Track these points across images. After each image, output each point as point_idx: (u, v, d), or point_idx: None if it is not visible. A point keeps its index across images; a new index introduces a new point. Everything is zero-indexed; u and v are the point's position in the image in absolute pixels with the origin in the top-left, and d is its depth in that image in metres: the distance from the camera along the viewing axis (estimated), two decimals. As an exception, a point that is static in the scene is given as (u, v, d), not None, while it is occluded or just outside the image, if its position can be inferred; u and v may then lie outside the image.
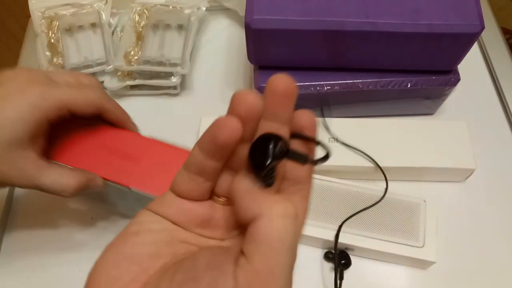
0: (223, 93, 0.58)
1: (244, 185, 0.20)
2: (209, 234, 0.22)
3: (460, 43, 0.44)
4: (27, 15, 0.60)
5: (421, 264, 0.44)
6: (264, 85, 0.49)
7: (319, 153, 0.22)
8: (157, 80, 0.56)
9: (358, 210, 0.44)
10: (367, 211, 0.44)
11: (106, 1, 0.59)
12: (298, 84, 0.49)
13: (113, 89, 0.56)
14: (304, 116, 0.22)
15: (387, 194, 0.45)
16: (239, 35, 0.63)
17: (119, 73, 0.56)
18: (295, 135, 0.21)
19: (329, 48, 0.46)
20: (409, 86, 0.49)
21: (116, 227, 0.48)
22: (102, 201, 0.48)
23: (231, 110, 0.20)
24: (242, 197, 0.20)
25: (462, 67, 0.49)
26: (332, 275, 0.45)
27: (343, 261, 0.44)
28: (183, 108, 0.57)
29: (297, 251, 0.19)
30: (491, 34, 0.62)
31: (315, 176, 0.46)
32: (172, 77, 0.55)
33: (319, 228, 0.44)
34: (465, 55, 0.46)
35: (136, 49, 0.55)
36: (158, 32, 0.57)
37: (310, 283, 0.44)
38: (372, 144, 0.48)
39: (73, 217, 0.49)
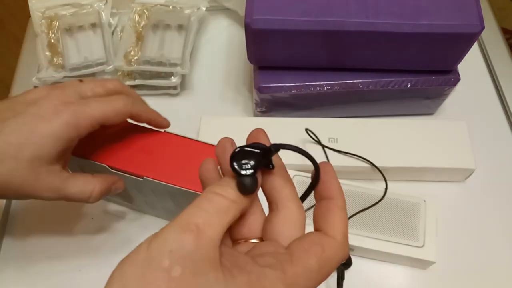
0: (223, 93, 0.58)
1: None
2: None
3: (460, 43, 0.44)
4: (27, 15, 0.60)
5: (421, 264, 0.44)
6: (264, 85, 0.49)
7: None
8: (157, 80, 0.56)
9: (358, 211, 0.44)
10: (367, 211, 0.44)
11: (106, 1, 0.59)
12: (298, 84, 0.49)
13: (113, 89, 0.56)
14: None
15: (387, 194, 0.45)
16: (239, 35, 0.63)
17: (119, 73, 0.56)
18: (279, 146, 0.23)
19: (329, 48, 0.46)
20: (409, 86, 0.49)
21: (116, 227, 0.48)
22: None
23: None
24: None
25: (462, 67, 0.49)
26: (332, 275, 0.45)
27: (343, 261, 0.44)
28: (183, 108, 0.57)
29: None
30: (491, 34, 0.62)
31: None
32: (172, 77, 0.55)
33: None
34: (465, 55, 0.46)
35: (136, 49, 0.55)
36: (158, 32, 0.57)
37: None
38: (372, 144, 0.48)
39: (73, 218, 0.49)
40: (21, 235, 0.48)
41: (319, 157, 0.48)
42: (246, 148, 0.22)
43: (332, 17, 0.43)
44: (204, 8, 0.59)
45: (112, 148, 0.38)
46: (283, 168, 0.25)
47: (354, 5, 0.43)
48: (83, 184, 0.35)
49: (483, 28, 0.42)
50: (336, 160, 0.47)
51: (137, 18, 0.57)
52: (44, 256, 0.46)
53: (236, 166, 0.22)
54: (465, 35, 0.43)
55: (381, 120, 0.51)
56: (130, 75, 0.56)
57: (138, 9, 0.58)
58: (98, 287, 0.20)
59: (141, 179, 0.37)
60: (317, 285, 0.21)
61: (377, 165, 0.47)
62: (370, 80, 0.49)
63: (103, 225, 0.48)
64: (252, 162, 0.22)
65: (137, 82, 0.55)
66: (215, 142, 0.26)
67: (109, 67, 0.55)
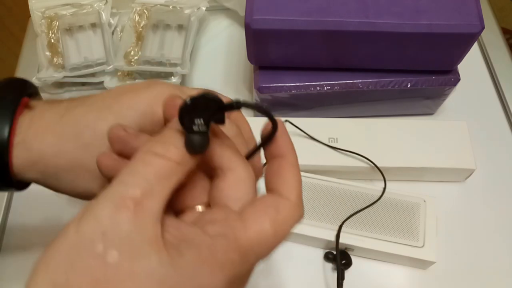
0: (223, 93, 0.58)
1: None
2: None
3: (460, 43, 0.44)
4: (27, 15, 0.60)
5: (421, 264, 0.44)
6: (264, 85, 0.49)
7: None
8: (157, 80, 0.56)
9: (357, 210, 0.44)
10: (367, 211, 0.44)
11: (106, 1, 0.59)
12: (298, 84, 0.49)
13: (113, 89, 0.56)
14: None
15: (387, 194, 0.45)
16: (239, 35, 0.63)
17: (119, 73, 0.56)
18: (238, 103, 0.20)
19: (329, 48, 0.46)
20: (409, 86, 0.49)
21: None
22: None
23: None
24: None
25: (462, 67, 0.49)
26: (332, 275, 0.45)
27: (343, 261, 0.44)
28: (183, 108, 0.57)
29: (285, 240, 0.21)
30: (491, 34, 0.62)
31: (315, 176, 0.46)
32: (172, 77, 0.55)
33: (319, 228, 0.44)
34: (465, 55, 0.46)
35: (136, 49, 0.55)
36: (158, 32, 0.57)
37: (311, 284, 0.44)
38: (372, 144, 0.48)
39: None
40: (21, 235, 0.48)
41: (319, 155, 0.48)
42: (199, 99, 0.19)
43: (332, 17, 0.43)
44: (204, 8, 0.59)
45: None
46: (220, 129, 0.23)
47: (354, 5, 0.43)
48: None
49: (483, 28, 0.42)
50: (335, 159, 0.47)
51: (137, 18, 0.57)
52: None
53: (186, 121, 0.19)
54: (465, 35, 0.43)
55: (381, 120, 0.51)
56: (130, 75, 0.56)
57: (138, 9, 0.58)
58: None
59: None
60: (274, 249, 0.20)
61: (377, 165, 0.47)
62: (370, 80, 0.49)
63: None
64: (204, 117, 0.19)
65: (137, 82, 0.55)
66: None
67: (109, 67, 0.55)
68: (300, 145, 0.48)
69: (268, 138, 0.22)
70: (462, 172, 0.48)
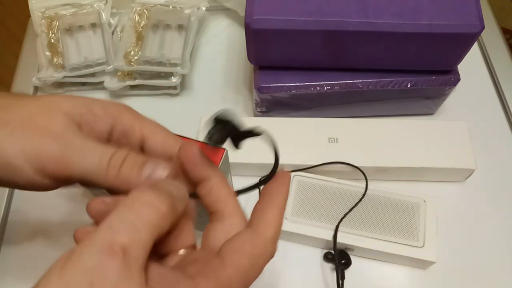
0: (223, 93, 0.58)
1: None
2: None
3: (460, 43, 0.44)
4: (27, 15, 0.60)
5: (421, 264, 0.44)
6: (264, 85, 0.49)
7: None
8: (157, 80, 0.56)
9: (351, 207, 0.44)
10: (367, 211, 0.44)
11: (106, 1, 0.59)
12: (298, 84, 0.49)
13: (113, 89, 0.56)
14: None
15: (387, 194, 0.45)
16: (239, 35, 0.63)
17: (119, 73, 0.56)
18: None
19: (329, 48, 0.46)
20: (409, 86, 0.49)
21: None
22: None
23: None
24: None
25: (462, 67, 0.49)
26: (332, 275, 0.45)
27: (343, 261, 0.44)
28: (183, 108, 0.57)
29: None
30: (491, 34, 0.62)
31: (314, 176, 0.46)
32: (172, 77, 0.55)
33: (318, 228, 0.44)
34: (465, 55, 0.46)
35: (136, 49, 0.55)
36: (158, 32, 0.57)
37: (311, 284, 0.44)
38: (372, 144, 0.48)
39: (74, 218, 0.49)
40: (21, 236, 0.48)
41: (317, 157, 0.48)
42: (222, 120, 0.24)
43: (332, 17, 0.43)
44: (204, 8, 0.59)
45: None
46: (224, 177, 0.24)
47: (354, 5, 0.43)
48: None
49: (483, 28, 0.42)
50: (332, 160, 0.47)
51: (137, 18, 0.57)
52: (44, 257, 0.46)
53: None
54: (465, 35, 0.43)
55: (381, 120, 0.51)
56: (130, 75, 0.56)
57: (138, 9, 0.58)
58: None
59: None
60: (251, 283, 0.21)
61: (377, 165, 0.47)
62: (370, 80, 0.49)
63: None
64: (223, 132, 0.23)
65: (137, 82, 0.55)
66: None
67: (109, 67, 0.55)
68: (298, 145, 0.48)
69: (268, 178, 0.24)
70: (462, 172, 0.48)
